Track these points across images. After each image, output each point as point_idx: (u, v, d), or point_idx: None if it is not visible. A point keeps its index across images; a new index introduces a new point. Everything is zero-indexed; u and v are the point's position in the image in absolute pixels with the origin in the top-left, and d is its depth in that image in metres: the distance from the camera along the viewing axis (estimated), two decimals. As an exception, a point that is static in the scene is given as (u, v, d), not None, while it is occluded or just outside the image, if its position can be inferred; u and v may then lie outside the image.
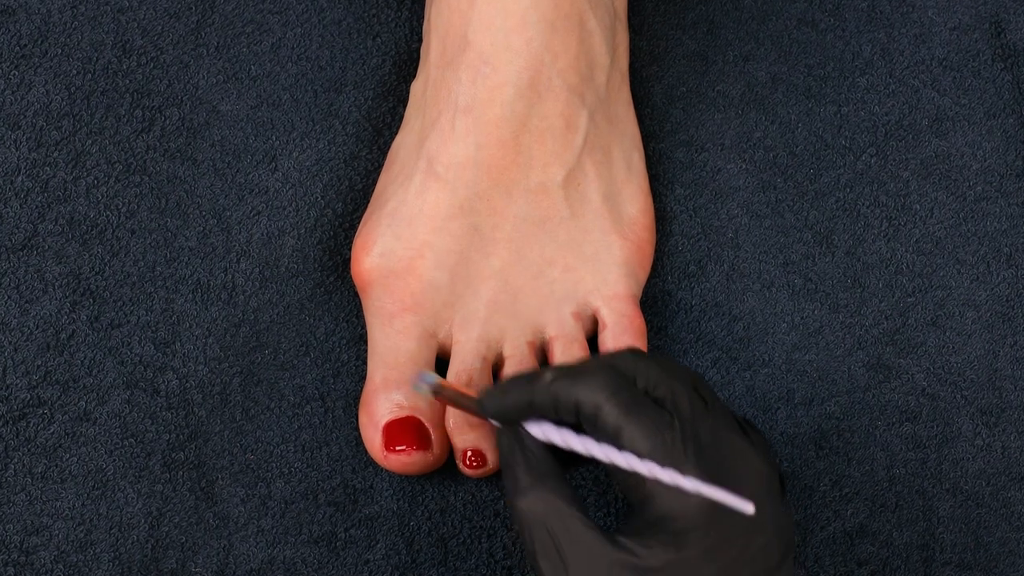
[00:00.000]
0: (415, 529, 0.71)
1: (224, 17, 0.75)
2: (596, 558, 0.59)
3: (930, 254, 0.74)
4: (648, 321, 0.73)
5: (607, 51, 0.70)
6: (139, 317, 0.72)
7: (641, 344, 0.70)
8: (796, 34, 0.76)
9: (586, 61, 0.69)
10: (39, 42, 0.74)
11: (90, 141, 0.74)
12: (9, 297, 0.72)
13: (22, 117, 0.74)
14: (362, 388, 0.71)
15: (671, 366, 0.61)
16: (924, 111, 0.76)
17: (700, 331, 0.73)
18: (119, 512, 0.70)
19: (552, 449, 0.62)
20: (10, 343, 0.71)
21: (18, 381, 0.71)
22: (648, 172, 0.74)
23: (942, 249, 0.74)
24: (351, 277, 0.72)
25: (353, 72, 0.75)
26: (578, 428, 0.62)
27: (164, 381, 0.71)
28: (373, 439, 0.69)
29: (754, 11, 0.76)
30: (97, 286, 0.72)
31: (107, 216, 0.73)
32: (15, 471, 0.71)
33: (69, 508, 0.70)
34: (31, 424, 0.71)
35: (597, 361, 0.61)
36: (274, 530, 0.71)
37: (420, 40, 0.75)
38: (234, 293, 0.73)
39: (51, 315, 0.72)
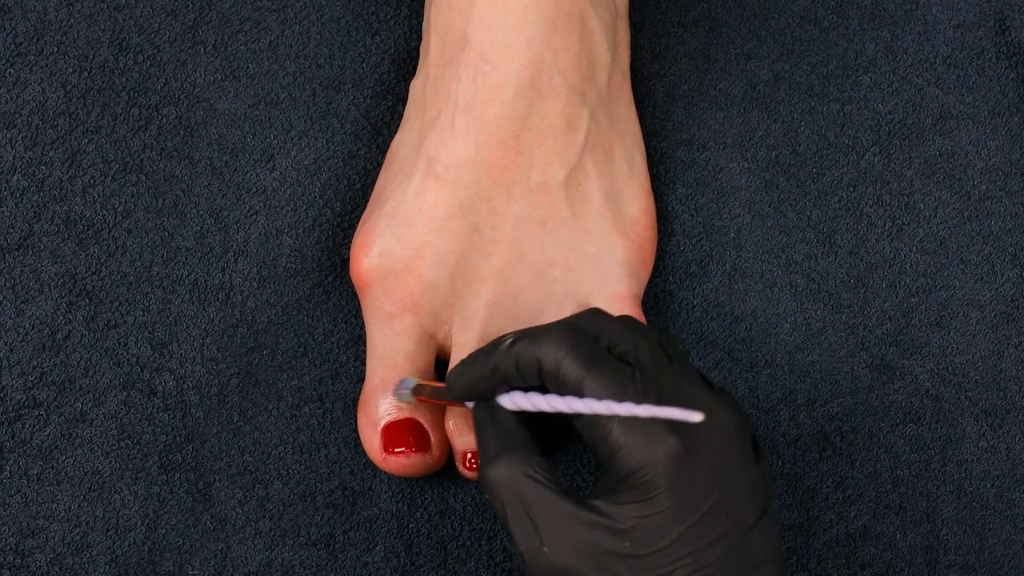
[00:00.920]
0: (414, 531, 0.71)
1: (221, 15, 0.75)
2: (567, 521, 0.59)
3: (934, 254, 0.74)
4: (649, 321, 0.73)
5: (608, 49, 0.70)
6: (136, 317, 0.72)
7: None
8: (799, 32, 0.76)
9: (587, 59, 0.69)
10: (35, 40, 0.74)
11: (86, 140, 0.73)
12: (4, 297, 0.72)
13: (17, 115, 0.73)
14: (361, 389, 0.71)
15: (634, 323, 0.62)
16: (928, 109, 0.75)
17: (702, 331, 0.73)
18: (115, 514, 0.70)
19: (532, 429, 0.63)
20: (5, 344, 0.71)
21: (13, 382, 0.71)
22: (650, 171, 0.74)
23: (946, 249, 0.74)
24: (350, 277, 0.72)
25: (352, 70, 0.75)
26: (544, 391, 0.63)
27: (161, 382, 0.71)
28: (372, 440, 0.69)
29: (756, 9, 0.76)
30: (93, 286, 0.72)
31: (103, 215, 0.73)
32: (10, 473, 0.70)
33: (65, 510, 0.70)
34: (27, 425, 0.71)
35: (557, 322, 0.62)
36: (272, 532, 0.70)
37: (419, 38, 0.75)
38: (231, 293, 0.72)
39: (47, 315, 0.72)
